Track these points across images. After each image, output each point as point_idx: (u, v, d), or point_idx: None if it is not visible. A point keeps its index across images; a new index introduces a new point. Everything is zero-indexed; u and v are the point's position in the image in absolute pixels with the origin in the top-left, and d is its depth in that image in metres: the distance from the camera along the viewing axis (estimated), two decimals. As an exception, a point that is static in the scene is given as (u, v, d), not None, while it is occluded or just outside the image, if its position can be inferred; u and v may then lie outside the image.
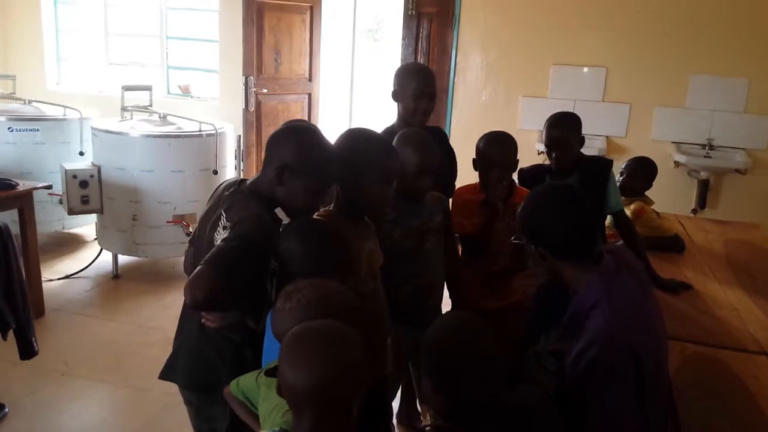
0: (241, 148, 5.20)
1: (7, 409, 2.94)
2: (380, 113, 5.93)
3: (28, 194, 3.82)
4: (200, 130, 4.52)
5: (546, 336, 1.75)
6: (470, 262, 2.52)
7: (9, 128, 4.74)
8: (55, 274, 4.51)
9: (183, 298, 1.62)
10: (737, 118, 4.67)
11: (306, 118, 5.52)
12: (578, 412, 1.50)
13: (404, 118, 2.69)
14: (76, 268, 4.64)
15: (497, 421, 1.40)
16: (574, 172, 2.65)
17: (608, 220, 2.86)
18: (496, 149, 2.45)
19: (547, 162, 2.73)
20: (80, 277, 4.55)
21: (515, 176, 2.68)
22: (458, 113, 5.14)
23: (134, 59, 6.31)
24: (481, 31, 4.98)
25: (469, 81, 5.09)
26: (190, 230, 4.19)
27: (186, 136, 4.47)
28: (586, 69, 4.84)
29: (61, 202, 4.57)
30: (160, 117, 4.68)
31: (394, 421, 2.65)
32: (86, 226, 5.19)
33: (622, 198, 2.87)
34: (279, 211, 1.86)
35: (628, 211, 3.01)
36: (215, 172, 4.50)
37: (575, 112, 2.83)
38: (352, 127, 2.17)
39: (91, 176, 4.41)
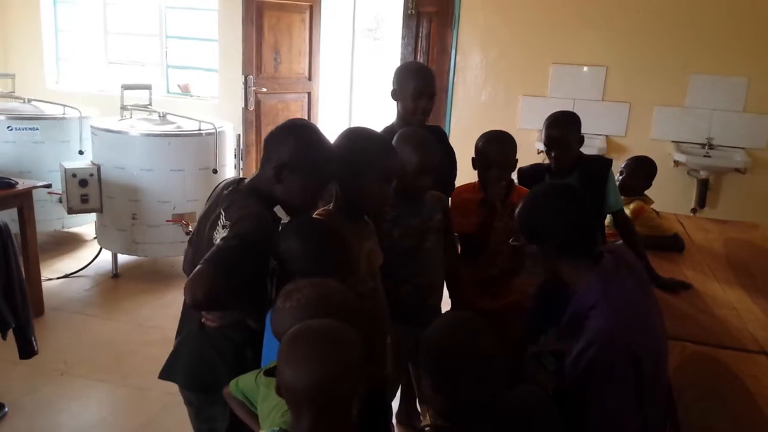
0: (241, 147, 5.20)
1: (6, 409, 2.94)
2: (380, 112, 5.93)
3: (27, 193, 3.82)
4: (200, 129, 4.51)
5: (545, 336, 1.75)
6: (469, 262, 2.52)
7: (8, 127, 4.74)
8: (54, 273, 4.51)
9: (183, 297, 1.62)
10: (737, 118, 4.67)
11: (305, 117, 5.52)
12: (578, 412, 1.50)
13: (404, 117, 2.69)
14: (75, 267, 4.64)
15: (497, 421, 1.40)
16: (574, 172, 2.65)
17: (608, 219, 2.86)
18: (496, 148, 2.45)
19: (547, 161, 2.73)
20: (80, 276, 4.55)
21: (515, 175, 2.68)
22: (458, 112, 5.13)
23: (134, 58, 6.30)
24: (481, 31, 4.98)
25: (468, 80, 5.08)
26: (190, 229, 4.18)
27: (185, 135, 4.46)
28: (585, 68, 4.84)
29: (60, 201, 4.57)
30: (159, 116, 4.68)
31: (394, 420, 2.65)
32: (86, 225, 5.19)
33: (622, 197, 2.87)
34: (278, 210, 1.86)
35: (627, 211, 3.01)
36: (215, 171, 4.50)
37: (575, 111, 2.83)
38: (352, 126, 2.17)
39: (91, 175, 4.40)
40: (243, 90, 5.16)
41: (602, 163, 2.78)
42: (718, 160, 4.67)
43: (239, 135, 5.18)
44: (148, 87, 5.08)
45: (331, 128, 2.22)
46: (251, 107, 5.21)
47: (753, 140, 4.68)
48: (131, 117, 4.82)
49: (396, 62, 4.99)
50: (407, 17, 5.15)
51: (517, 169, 2.65)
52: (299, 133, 1.84)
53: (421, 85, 2.65)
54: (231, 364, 1.75)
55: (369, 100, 8.91)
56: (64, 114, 4.95)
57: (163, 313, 3.97)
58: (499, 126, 2.64)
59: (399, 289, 2.22)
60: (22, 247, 3.70)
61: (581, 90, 4.84)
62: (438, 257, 2.34)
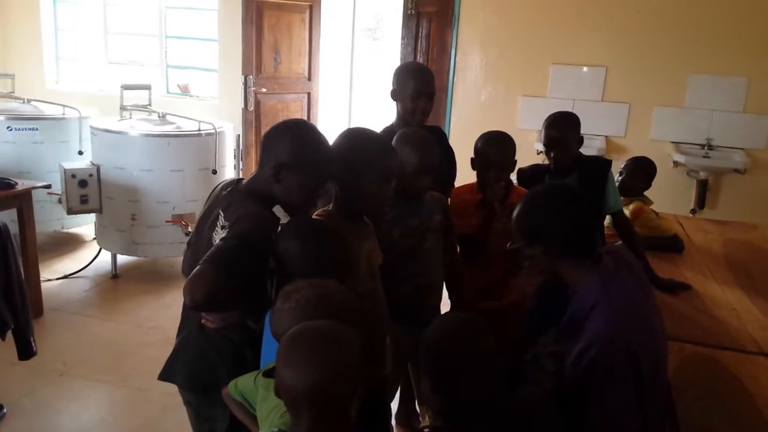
0: (241, 147, 5.20)
1: (5, 410, 2.94)
2: (379, 112, 5.93)
3: (27, 194, 3.82)
4: (199, 130, 4.51)
5: (545, 336, 1.75)
6: (468, 263, 2.52)
7: (8, 127, 4.74)
8: (53, 274, 4.51)
9: (182, 298, 1.62)
10: (736, 118, 4.67)
11: (305, 118, 5.52)
12: (578, 412, 1.50)
13: (403, 117, 2.69)
14: (74, 267, 4.64)
15: (497, 421, 1.40)
16: (573, 172, 2.65)
17: (607, 220, 2.86)
18: (495, 149, 2.45)
19: (546, 162, 2.73)
20: (79, 277, 4.55)
21: (514, 176, 2.68)
22: (457, 113, 5.13)
23: (133, 58, 6.30)
24: (481, 31, 4.98)
25: (468, 80, 5.08)
26: (189, 230, 4.18)
27: (185, 136, 4.46)
28: (585, 69, 4.84)
29: (60, 201, 4.57)
30: (159, 116, 4.68)
31: (393, 421, 2.65)
32: (85, 225, 5.19)
33: (621, 198, 2.88)
34: (278, 210, 1.86)
35: (627, 211, 3.01)
36: (214, 172, 4.50)
37: (574, 111, 2.83)
38: (351, 126, 2.17)
39: (90, 175, 4.40)
40: (243, 90, 5.15)
41: (602, 163, 2.78)
42: (718, 161, 4.67)
43: (239, 135, 5.18)
44: (147, 87, 5.08)
45: (330, 128, 2.22)
46: (251, 107, 5.21)
47: (752, 141, 4.67)
48: (131, 117, 4.82)
49: (396, 62, 4.99)
50: (407, 17, 5.15)
51: (516, 169, 2.65)
52: (296, 133, 1.84)
53: (421, 86, 2.65)
54: (231, 365, 1.75)
55: (368, 101, 8.91)
56: (63, 114, 4.95)
57: (162, 314, 3.97)
58: (498, 126, 2.64)
59: (398, 290, 2.22)
60: (22, 248, 3.70)
61: (581, 90, 4.84)
62: (437, 257, 2.34)
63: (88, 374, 3.32)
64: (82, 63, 6.37)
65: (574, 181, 2.62)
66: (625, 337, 1.48)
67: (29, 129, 4.79)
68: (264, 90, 5.27)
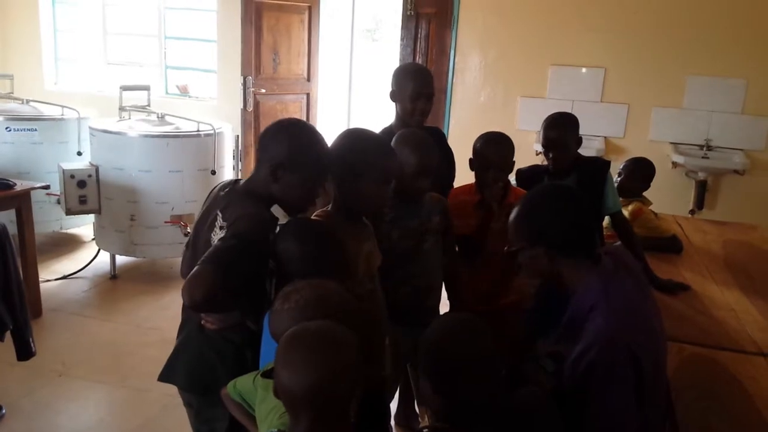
0: (239, 148, 5.20)
1: (4, 411, 2.93)
2: (378, 113, 5.93)
3: (25, 194, 3.82)
4: (198, 130, 4.51)
5: (545, 337, 1.75)
6: (466, 263, 2.52)
7: (7, 128, 4.74)
8: (52, 275, 4.50)
9: (181, 298, 1.62)
10: (735, 119, 4.67)
11: (304, 119, 5.51)
12: (578, 413, 1.50)
13: (402, 118, 2.69)
14: (73, 268, 4.63)
15: (496, 422, 1.40)
16: (572, 173, 2.66)
17: (606, 220, 2.86)
18: (494, 149, 2.45)
19: (545, 162, 2.73)
20: (78, 278, 4.55)
21: (513, 177, 2.68)
22: (457, 114, 5.14)
23: (132, 59, 6.30)
24: (480, 32, 4.98)
25: (467, 81, 5.09)
26: (188, 230, 4.18)
27: (184, 136, 4.46)
28: (584, 70, 4.84)
29: (58, 202, 4.57)
30: (158, 117, 4.67)
31: (392, 422, 2.65)
32: (84, 226, 5.18)
33: (620, 199, 2.88)
34: (277, 210, 1.86)
35: (626, 212, 3.01)
36: (213, 172, 4.50)
37: (573, 112, 2.83)
38: (351, 127, 2.17)
39: (89, 176, 4.40)
40: (242, 91, 5.15)
41: (600, 164, 2.78)
42: (717, 162, 4.67)
43: (238, 136, 5.18)
44: (146, 88, 5.08)
45: (329, 129, 2.22)
46: (250, 108, 5.21)
47: (751, 142, 4.68)
48: (130, 118, 4.82)
49: (395, 63, 4.99)
50: (406, 18, 5.15)
51: (515, 170, 2.65)
52: (293, 132, 1.84)
53: (420, 86, 2.65)
54: (231, 365, 1.75)
55: (368, 101, 8.91)
56: (62, 115, 4.95)
57: (161, 315, 3.97)
58: (497, 127, 2.64)
59: (398, 291, 2.22)
60: (20, 249, 3.69)
61: (580, 91, 4.85)
62: (436, 259, 2.34)
63: (87, 375, 3.31)
64: (81, 64, 6.37)
65: (573, 182, 2.62)
66: (625, 337, 1.48)
67: (28, 130, 4.79)
68: (263, 91, 5.27)
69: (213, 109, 5.56)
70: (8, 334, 2.97)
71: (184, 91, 6.05)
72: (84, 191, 4.39)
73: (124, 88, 4.92)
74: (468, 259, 2.51)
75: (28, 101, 5.10)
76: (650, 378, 1.51)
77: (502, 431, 1.42)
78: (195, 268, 1.59)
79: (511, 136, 2.51)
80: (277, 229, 1.80)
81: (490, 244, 2.41)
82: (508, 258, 1.72)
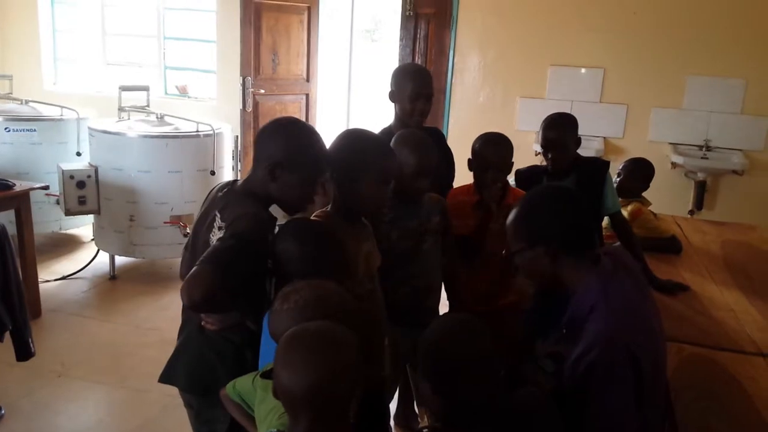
0: (239, 148, 5.20)
1: (3, 411, 2.93)
2: (378, 114, 5.93)
3: (25, 195, 3.81)
4: (197, 131, 4.51)
5: (544, 337, 1.75)
6: (465, 264, 2.52)
7: (6, 128, 4.74)
8: (51, 275, 4.50)
9: (180, 299, 1.62)
10: (734, 120, 4.67)
11: (303, 119, 5.51)
12: (578, 413, 1.50)
13: (401, 119, 2.69)
14: (73, 268, 4.63)
15: (496, 422, 1.40)
16: (571, 173, 2.66)
17: (605, 221, 2.86)
18: (493, 150, 2.45)
19: (544, 163, 2.73)
20: (77, 278, 4.54)
21: (512, 177, 2.68)
22: (456, 114, 5.14)
23: (131, 59, 6.30)
24: (479, 32, 4.98)
25: (466, 82, 5.09)
26: (188, 231, 4.18)
27: (183, 137, 4.46)
28: (583, 70, 4.84)
29: (58, 202, 4.56)
30: (157, 117, 4.68)
31: (392, 423, 2.65)
32: (83, 226, 5.18)
33: (620, 199, 2.88)
34: (275, 210, 1.86)
35: (625, 212, 3.01)
36: (212, 173, 4.50)
37: (572, 113, 2.84)
38: (350, 127, 2.17)
39: (88, 177, 4.40)
40: (241, 91, 5.15)
41: (599, 165, 2.78)
42: (716, 162, 4.68)
43: (237, 136, 5.17)
44: (145, 88, 5.08)
45: (329, 130, 2.22)
46: (249, 109, 5.20)
47: (750, 142, 4.68)
48: (129, 118, 4.82)
49: (394, 63, 4.99)
50: (405, 18, 5.15)
51: (514, 170, 2.65)
52: (288, 130, 1.84)
53: (419, 87, 2.65)
54: (231, 366, 1.75)
55: (367, 102, 8.92)
56: (61, 115, 4.95)
57: (160, 315, 3.97)
58: (496, 128, 2.64)
59: (397, 291, 2.22)
60: (20, 249, 3.69)
61: (579, 92, 4.85)
62: (436, 259, 2.34)
63: (87, 375, 3.31)
64: (80, 64, 6.37)
65: (572, 183, 2.62)
66: (625, 337, 1.48)
67: (27, 130, 4.79)
68: (262, 91, 5.27)
69: (212, 110, 5.56)
70: (7, 335, 2.97)
71: (183, 92, 6.05)
72: (83, 192, 4.39)
73: (124, 89, 4.92)
74: (466, 259, 2.51)
75: (27, 102, 5.10)
76: (650, 378, 1.51)
77: (502, 431, 1.42)
78: (194, 269, 1.59)
79: (510, 137, 2.51)
80: (276, 229, 1.80)
81: (489, 244, 2.41)
82: (506, 260, 1.72)
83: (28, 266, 3.80)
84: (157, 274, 4.71)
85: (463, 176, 2.71)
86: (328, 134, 1.94)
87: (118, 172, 4.39)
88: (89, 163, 4.55)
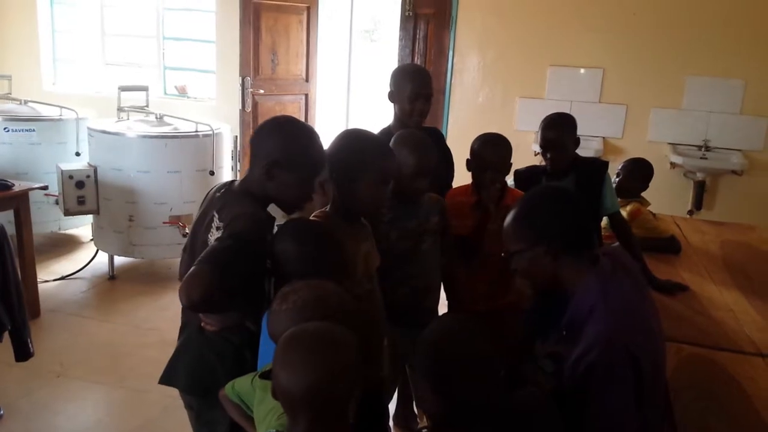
0: (238, 148, 5.20)
1: (2, 411, 2.93)
2: (377, 114, 5.93)
3: (24, 195, 3.81)
4: (197, 131, 4.51)
5: (543, 338, 1.75)
6: (463, 264, 2.52)
7: (5, 128, 4.73)
8: (50, 275, 4.50)
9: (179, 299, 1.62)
10: (733, 120, 4.68)
11: (303, 119, 5.51)
12: (578, 413, 1.50)
13: (401, 119, 2.69)
14: (72, 269, 4.63)
15: (496, 422, 1.40)
16: (570, 174, 2.66)
17: (604, 221, 2.86)
18: (491, 151, 2.45)
19: (543, 163, 2.73)
20: (76, 278, 4.54)
21: (511, 177, 2.68)
22: (455, 114, 5.14)
23: (131, 60, 6.30)
24: (478, 33, 4.99)
25: (466, 82, 5.09)
26: (187, 231, 4.17)
27: (182, 137, 4.46)
28: (582, 70, 4.85)
29: (57, 202, 4.56)
30: (156, 117, 4.67)
31: (391, 423, 2.65)
32: (82, 227, 5.18)
33: (619, 199, 2.88)
34: (274, 210, 1.86)
35: (624, 213, 3.01)
36: (212, 173, 4.50)
37: (572, 113, 2.84)
38: (349, 128, 2.17)
39: (88, 177, 4.40)
40: (240, 91, 5.15)
41: (598, 165, 2.78)
42: (715, 162, 4.68)
43: (236, 137, 5.17)
44: (145, 88, 5.08)
45: (328, 130, 2.22)
46: (248, 109, 5.20)
47: (749, 142, 4.69)
48: (128, 118, 4.82)
49: (393, 64, 4.99)
50: (404, 19, 5.15)
51: (513, 170, 2.65)
52: (285, 129, 1.84)
53: (418, 87, 2.65)
54: (230, 367, 1.74)
55: (366, 102, 8.92)
56: (60, 115, 4.94)
57: (159, 315, 3.97)
58: (496, 128, 2.64)
59: (396, 291, 2.22)
60: (19, 249, 3.69)
61: (578, 92, 4.85)
62: (435, 259, 2.34)
63: (86, 375, 3.31)
64: (79, 64, 6.36)
65: (571, 183, 2.62)
66: (624, 337, 1.48)
67: (26, 130, 4.79)
68: (261, 91, 5.27)
69: (211, 110, 5.56)
70: (6, 335, 2.97)
71: (182, 92, 6.05)
72: (82, 192, 4.38)
73: (123, 89, 4.92)
74: (464, 260, 2.51)
75: (26, 102, 5.09)
76: (650, 378, 1.51)
77: (502, 431, 1.42)
78: (192, 268, 1.59)
79: (509, 137, 2.51)
80: (275, 229, 1.80)
81: (487, 245, 2.41)
82: (505, 263, 1.72)
83: (27, 266, 3.79)
84: (157, 274, 4.71)
85: (462, 176, 2.71)
86: (328, 134, 1.95)
87: (117, 173, 4.39)
88: (88, 163, 4.55)
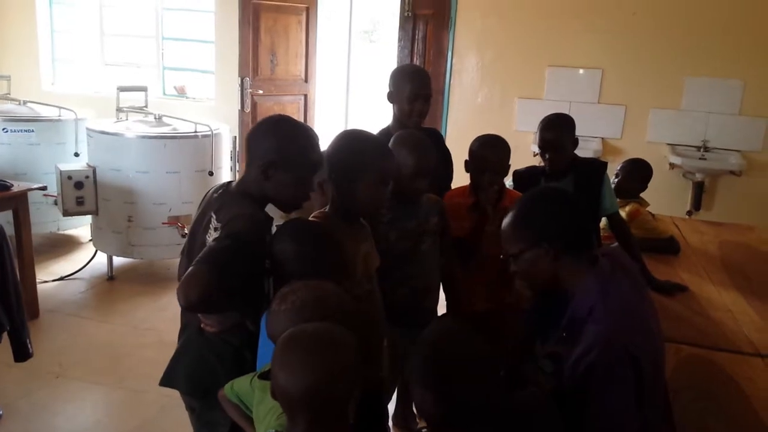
0: (237, 149, 5.19)
1: (1, 412, 2.93)
2: (376, 115, 5.93)
3: (22, 195, 3.81)
4: (196, 131, 4.51)
5: (543, 338, 1.75)
6: (461, 266, 2.51)
7: (4, 129, 4.73)
8: (49, 276, 4.49)
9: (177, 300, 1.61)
10: (732, 120, 4.68)
11: (302, 120, 5.51)
12: (578, 413, 1.50)
13: (400, 119, 2.69)
14: (70, 269, 4.62)
15: (495, 422, 1.40)
16: (569, 174, 2.66)
17: (603, 221, 2.87)
18: (490, 152, 2.45)
19: (542, 163, 2.73)
20: (75, 279, 4.54)
21: (509, 179, 2.68)
22: (454, 115, 5.14)
23: (130, 60, 6.29)
24: (477, 33, 4.99)
25: (464, 83, 5.09)
26: (185, 232, 4.17)
27: (181, 137, 4.46)
28: (581, 71, 4.85)
29: (56, 203, 4.56)
30: (155, 118, 4.67)
31: (390, 423, 2.65)
32: (81, 227, 5.18)
33: (618, 200, 2.88)
34: (273, 210, 1.86)
35: (623, 213, 3.01)
36: (211, 174, 4.49)
37: (571, 113, 2.84)
38: (348, 128, 2.17)
39: (86, 177, 4.39)
40: (239, 92, 5.15)
41: (597, 166, 2.79)
42: (714, 163, 4.68)
43: (235, 137, 5.17)
44: (144, 89, 5.08)
45: (327, 130, 2.22)
46: (247, 109, 5.21)
47: (748, 143, 4.69)
48: (127, 119, 4.81)
49: (392, 64, 4.98)
50: (403, 19, 5.15)
51: (512, 171, 2.65)
52: (280, 128, 1.83)
53: (417, 88, 2.65)
54: (231, 368, 1.74)
55: (365, 103, 8.92)
56: (59, 116, 4.94)
57: (158, 316, 3.97)
58: (495, 128, 2.65)
59: (395, 292, 2.22)
60: (17, 250, 3.69)
61: (577, 92, 4.85)
62: (434, 260, 2.34)
63: (84, 376, 3.31)
64: (78, 65, 6.36)
65: (570, 183, 2.62)
66: (623, 338, 1.48)
67: (25, 131, 4.78)
68: (261, 92, 5.27)
69: (210, 110, 5.55)
70: (5, 336, 2.96)
71: (181, 92, 6.04)
72: (81, 192, 4.38)
73: (122, 89, 4.91)
74: (462, 261, 2.51)
75: (25, 102, 5.09)
76: (649, 378, 1.51)
77: (501, 431, 1.42)
78: (190, 269, 1.58)
79: (508, 138, 2.51)
80: (273, 229, 1.80)
81: (485, 247, 2.41)
82: (503, 264, 1.71)
83: (25, 267, 3.79)
84: (155, 274, 4.71)
85: (461, 177, 2.71)
86: (327, 135, 1.94)
87: (116, 173, 4.39)
88: (87, 163, 4.54)
